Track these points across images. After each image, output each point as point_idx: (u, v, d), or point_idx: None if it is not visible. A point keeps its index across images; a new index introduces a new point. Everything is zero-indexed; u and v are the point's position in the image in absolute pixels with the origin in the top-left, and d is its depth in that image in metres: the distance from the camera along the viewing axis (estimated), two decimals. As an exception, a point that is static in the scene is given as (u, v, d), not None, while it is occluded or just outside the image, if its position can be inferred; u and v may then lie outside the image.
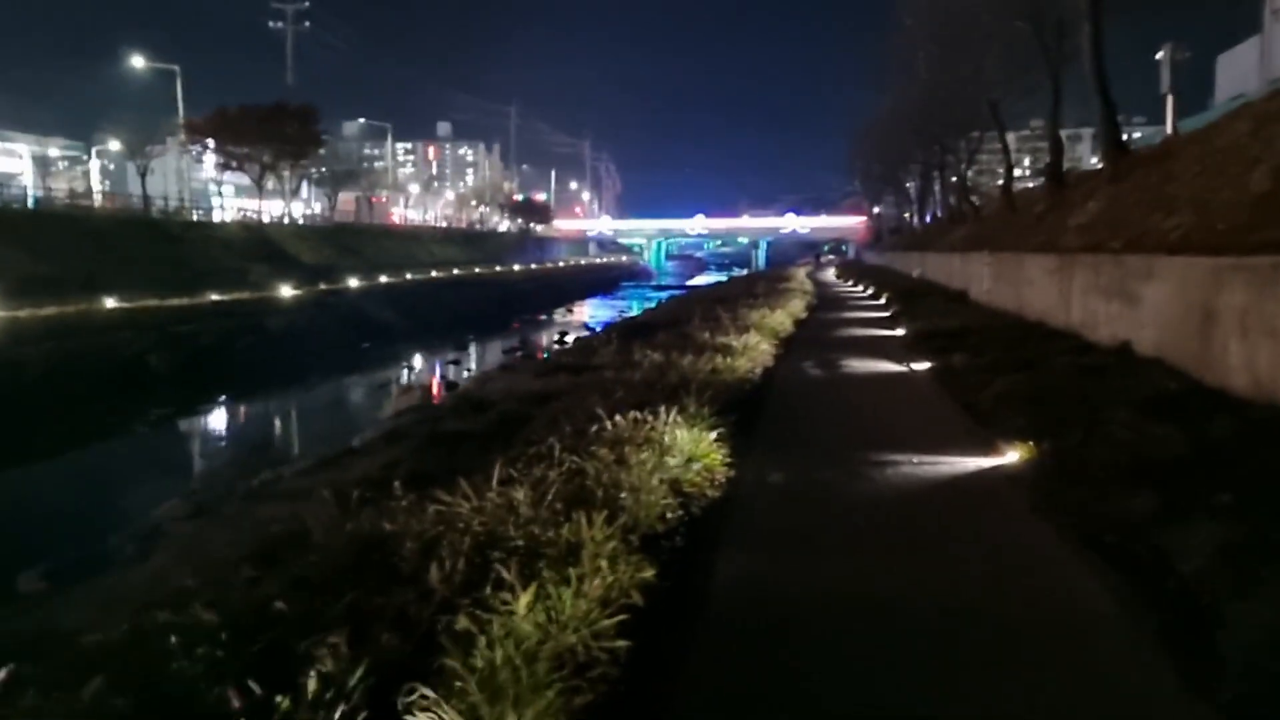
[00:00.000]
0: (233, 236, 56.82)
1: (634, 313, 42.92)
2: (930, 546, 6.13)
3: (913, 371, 15.12)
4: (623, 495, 6.16)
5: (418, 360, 40.11)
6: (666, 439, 7.87)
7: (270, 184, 73.20)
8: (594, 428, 7.98)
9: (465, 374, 32.64)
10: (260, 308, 41.97)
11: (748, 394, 11.79)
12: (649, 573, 4.96)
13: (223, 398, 27.42)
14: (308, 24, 76.86)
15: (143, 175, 64.94)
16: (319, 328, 42.12)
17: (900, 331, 21.40)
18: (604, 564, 4.79)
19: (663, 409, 8.60)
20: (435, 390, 28.00)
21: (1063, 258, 17.69)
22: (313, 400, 29.61)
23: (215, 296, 40.43)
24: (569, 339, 35.46)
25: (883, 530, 6.48)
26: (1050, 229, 22.25)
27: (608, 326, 24.31)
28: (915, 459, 8.40)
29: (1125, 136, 23.85)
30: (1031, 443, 8.25)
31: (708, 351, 14.12)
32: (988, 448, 8.71)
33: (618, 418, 8.22)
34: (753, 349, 15.32)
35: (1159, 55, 24.49)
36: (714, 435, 8.48)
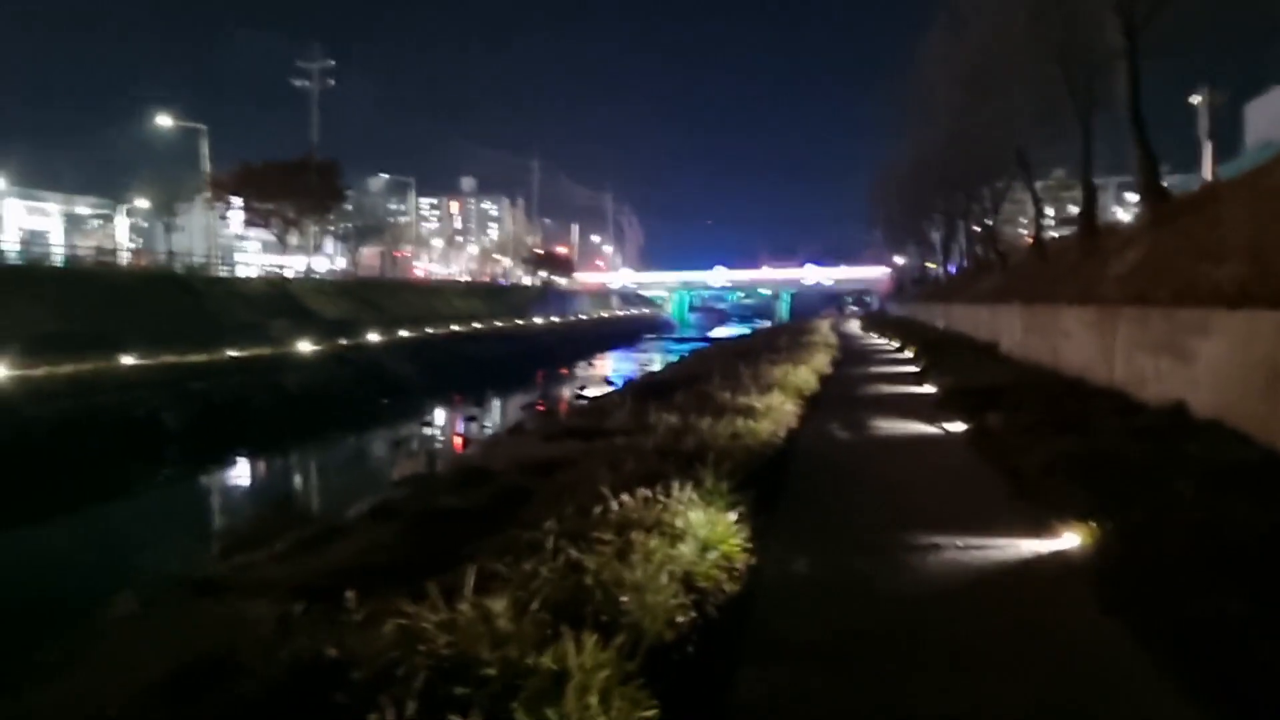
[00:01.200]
0: (255, 292, 56.84)
1: (655, 366, 42.16)
2: (990, 661, 5.18)
3: (946, 434, 14.15)
4: (624, 599, 5.27)
5: (436, 416, 39.33)
6: (679, 522, 6.98)
7: (294, 239, 73.55)
8: (598, 509, 7.11)
9: (485, 430, 31.90)
10: (278, 364, 41.59)
11: (770, 461, 10.88)
12: (650, 711, 4.06)
13: (225, 462, 26.57)
14: (332, 82, 77.30)
15: (168, 231, 65.41)
16: (337, 384, 41.61)
17: (930, 389, 20.45)
18: (594, 701, 3.90)
19: (676, 485, 7.72)
20: (457, 445, 27.25)
21: (1103, 310, 16.76)
22: (318, 464, 28.73)
23: (234, 353, 40.14)
24: (589, 393, 34.67)
25: (932, 639, 5.53)
26: (1086, 279, 21.32)
27: (623, 385, 23.45)
28: (959, 542, 7.46)
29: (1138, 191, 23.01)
30: (1091, 523, 7.30)
31: (728, 414, 13.24)
32: (1040, 528, 7.75)
33: (625, 497, 7.34)
34: (776, 410, 14.42)
35: (1195, 99, 23.71)
36: (733, 516, 7.58)
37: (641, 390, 18.38)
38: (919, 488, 9.92)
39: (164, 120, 68.54)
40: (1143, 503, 7.67)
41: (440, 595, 4.68)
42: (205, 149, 67.22)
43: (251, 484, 24.65)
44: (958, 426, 14.32)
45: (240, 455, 27.18)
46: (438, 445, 28.85)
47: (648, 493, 7.44)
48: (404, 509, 9.11)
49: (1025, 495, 9.12)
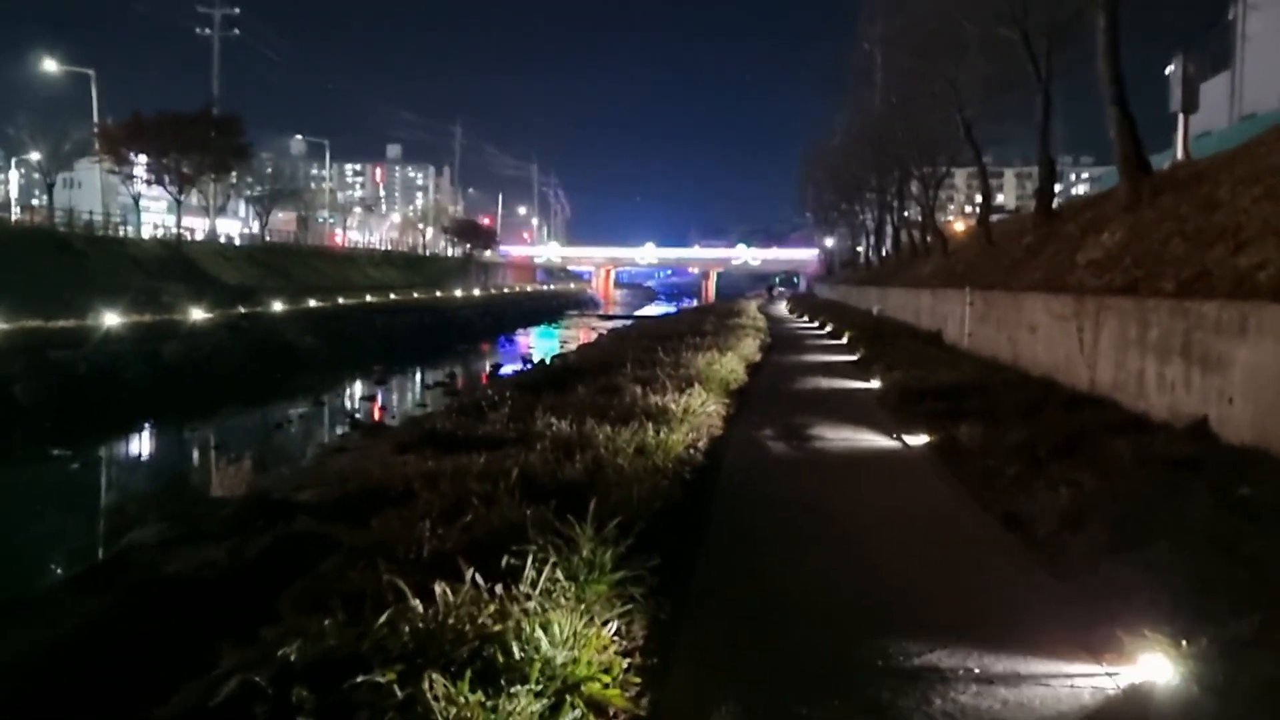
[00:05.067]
0: (146, 254, 52.73)
1: (576, 345, 39.35)
2: None
3: (907, 448, 11.44)
4: None
5: (330, 394, 35.79)
6: (519, 643, 4.13)
7: (195, 199, 68.94)
8: (382, 618, 4.21)
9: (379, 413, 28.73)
10: (163, 331, 37.75)
11: (684, 494, 8.06)
12: None
13: (47, 451, 21.95)
14: (236, 31, 72.39)
15: (50, 186, 60.41)
16: (224, 355, 37.82)
17: (874, 383, 17.86)
18: None
19: (532, 558, 4.86)
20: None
21: (1083, 300, 14.29)
22: (148, 459, 24.13)
23: (113, 318, 36.25)
24: (504, 371, 31.93)
25: None
26: (1050, 265, 18.94)
27: (523, 372, 20.45)
28: (975, 666, 4.69)
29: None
30: (1181, 640, 4.59)
31: (636, 418, 10.44)
32: (1095, 639, 5.00)
33: (439, 589, 4.46)
34: (696, 412, 11.63)
35: (1169, 70, 21.46)
36: (615, 616, 4.76)
37: (540, 380, 15.46)
38: (891, 546, 7.05)
39: (49, 65, 63.54)
40: (1238, 595, 5.04)
41: None
42: (95, 97, 62.43)
43: (38, 492, 19.49)
44: (919, 439, 11.65)
45: (71, 443, 22.81)
46: (255, 457, 23.28)
47: (478, 583, 4.56)
48: (135, 568, 6.10)
49: (1050, 569, 6.36)
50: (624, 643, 4.76)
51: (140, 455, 24.94)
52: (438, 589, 4.44)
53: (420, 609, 4.33)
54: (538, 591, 4.68)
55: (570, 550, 5.40)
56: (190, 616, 5.00)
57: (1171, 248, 13.47)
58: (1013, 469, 8.84)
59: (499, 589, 4.59)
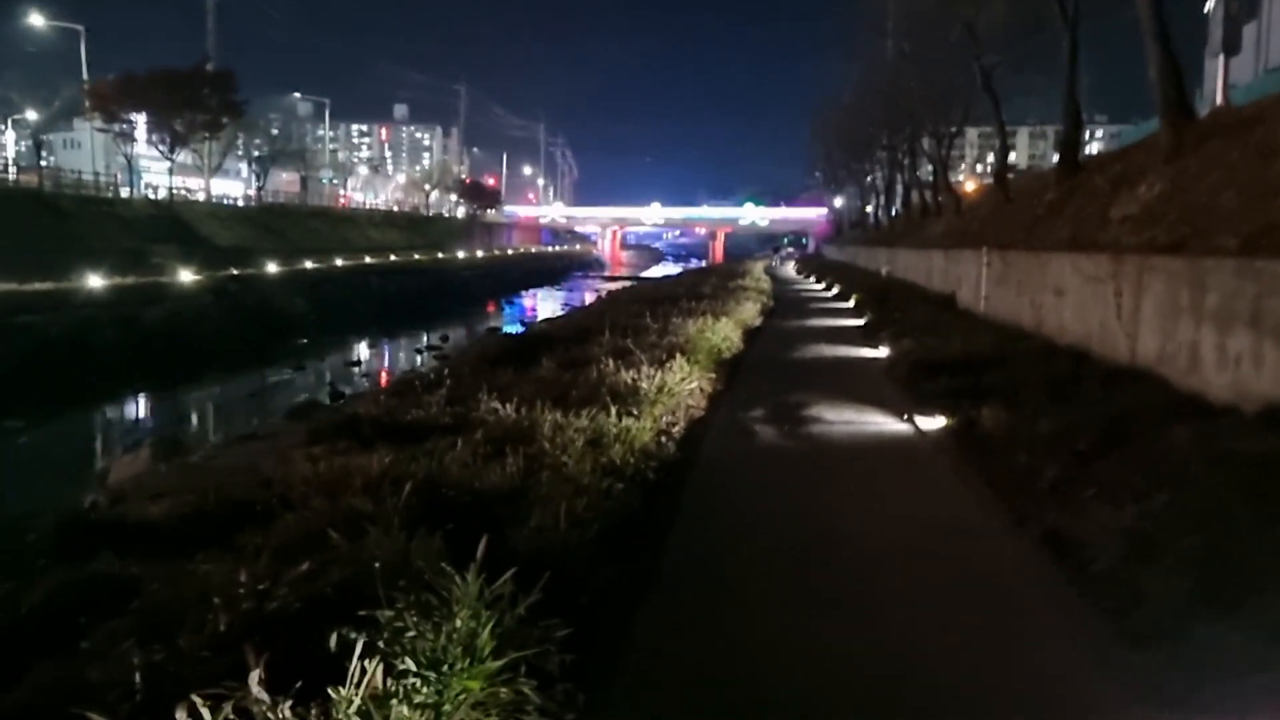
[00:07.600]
0: (136, 214, 51.33)
1: (582, 304, 38.05)
2: None
3: (921, 435, 9.75)
4: None
5: (314, 361, 34.25)
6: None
7: (188, 158, 67.39)
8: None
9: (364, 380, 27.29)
10: (146, 294, 36.35)
11: (641, 505, 6.41)
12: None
13: None
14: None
15: (38, 146, 58.80)
16: (208, 320, 36.40)
17: (883, 351, 16.19)
18: None
19: (357, 653, 3.25)
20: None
21: (1121, 261, 12.52)
22: (36, 452, 20.42)
23: (95, 281, 34.83)
24: (503, 331, 30.54)
25: None
26: (1077, 222, 17.13)
27: (482, 343, 18.77)
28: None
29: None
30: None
31: (600, 400, 8.81)
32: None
33: (183, 714, 2.86)
34: (673, 391, 9.97)
35: (1208, 7, 19.51)
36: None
37: (507, 351, 13.81)
38: (900, 590, 5.14)
39: (37, 21, 61.59)
40: None
41: None
42: (84, 53, 60.50)
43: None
44: (934, 421, 9.97)
45: (14, 415, 20.91)
46: (153, 446, 20.33)
47: (266, 694, 2.96)
48: None
49: (1115, 621, 4.70)
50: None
51: (57, 438, 22.13)
52: (180, 716, 2.81)
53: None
54: (360, 698, 3.06)
55: (444, 615, 3.79)
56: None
57: (1224, 200, 11.69)
58: (1051, 469, 7.17)
59: (293, 708, 2.97)
